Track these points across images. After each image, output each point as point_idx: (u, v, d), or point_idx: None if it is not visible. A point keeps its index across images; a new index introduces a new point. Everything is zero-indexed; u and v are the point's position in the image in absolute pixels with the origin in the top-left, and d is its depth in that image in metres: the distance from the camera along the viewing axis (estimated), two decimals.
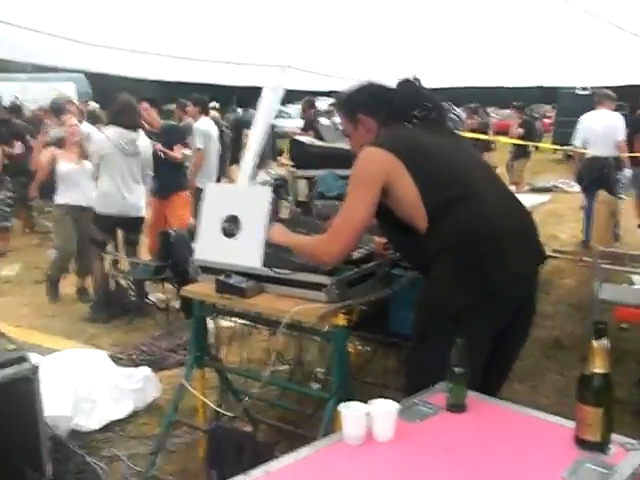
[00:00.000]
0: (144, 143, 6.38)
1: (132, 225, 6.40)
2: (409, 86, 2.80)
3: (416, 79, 2.81)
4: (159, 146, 6.93)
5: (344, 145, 2.98)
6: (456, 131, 3.21)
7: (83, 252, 6.64)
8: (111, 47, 4.42)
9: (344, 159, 2.62)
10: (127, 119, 6.18)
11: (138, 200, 6.33)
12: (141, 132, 6.39)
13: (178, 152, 7.38)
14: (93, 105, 11.37)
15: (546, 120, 22.31)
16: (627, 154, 8.72)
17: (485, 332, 2.50)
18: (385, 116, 2.75)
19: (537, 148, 16.08)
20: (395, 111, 2.73)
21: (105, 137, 6.15)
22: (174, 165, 7.08)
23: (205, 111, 8.39)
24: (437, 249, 2.48)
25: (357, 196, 2.55)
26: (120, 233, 6.52)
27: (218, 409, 3.33)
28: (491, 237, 2.47)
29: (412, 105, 2.74)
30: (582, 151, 9.00)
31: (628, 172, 8.97)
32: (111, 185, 6.11)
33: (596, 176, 8.63)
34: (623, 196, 9.10)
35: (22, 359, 3.09)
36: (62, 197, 6.66)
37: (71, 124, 6.80)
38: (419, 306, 2.61)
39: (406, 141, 2.63)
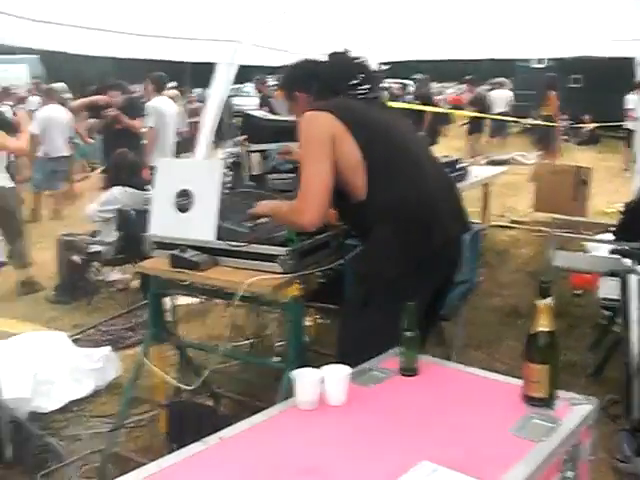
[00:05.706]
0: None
1: None
2: (339, 58, 2.83)
3: (346, 50, 2.84)
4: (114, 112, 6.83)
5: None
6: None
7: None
8: (65, 24, 4.35)
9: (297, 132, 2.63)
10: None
11: None
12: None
13: (139, 123, 7.31)
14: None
15: None
16: None
17: (426, 294, 2.57)
18: (317, 89, 2.78)
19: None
20: (326, 84, 2.76)
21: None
22: (132, 141, 6.97)
23: (160, 89, 8.20)
24: (378, 215, 2.52)
25: (313, 157, 2.53)
26: None
27: (178, 384, 3.33)
28: (429, 204, 2.55)
29: (342, 76, 2.76)
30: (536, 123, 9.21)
31: None
32: None
33: None
34: None
35: None
36: None
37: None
38: (360, 274, 2.66)
39: (343, 106, 2.64)
